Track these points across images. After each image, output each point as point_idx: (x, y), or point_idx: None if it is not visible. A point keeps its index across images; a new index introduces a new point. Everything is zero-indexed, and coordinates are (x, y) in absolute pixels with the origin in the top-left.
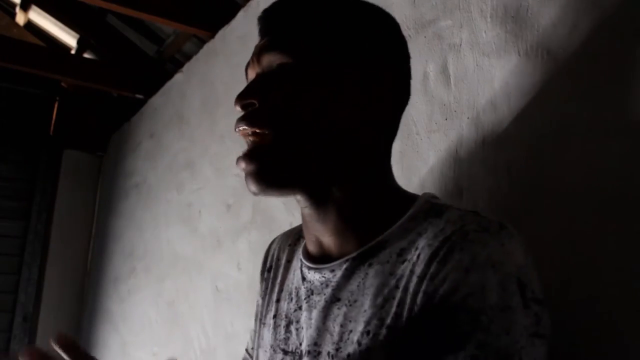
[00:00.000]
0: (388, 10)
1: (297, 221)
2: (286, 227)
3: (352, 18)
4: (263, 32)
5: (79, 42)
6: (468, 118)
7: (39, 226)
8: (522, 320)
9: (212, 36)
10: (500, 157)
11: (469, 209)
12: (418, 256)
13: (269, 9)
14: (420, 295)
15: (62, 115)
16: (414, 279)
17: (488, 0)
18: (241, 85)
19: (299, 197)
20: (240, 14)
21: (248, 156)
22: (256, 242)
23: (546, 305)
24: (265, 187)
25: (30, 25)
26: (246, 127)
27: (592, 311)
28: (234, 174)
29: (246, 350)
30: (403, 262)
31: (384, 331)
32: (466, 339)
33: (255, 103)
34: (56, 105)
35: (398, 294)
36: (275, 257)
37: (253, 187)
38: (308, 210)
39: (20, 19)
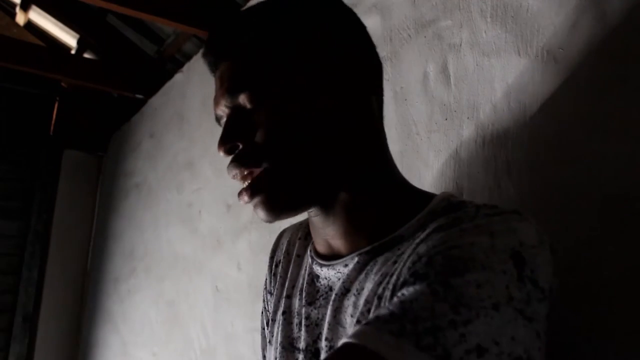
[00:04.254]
0: (388, 10)
1: (297, 220)
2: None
3: (301, 22)
4: (214, 70)
5: (79, 42)
6: (468, 118)
7: (39, 226)
8: (501, 283)
9: None
10: (500, 157)
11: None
12: (426, 236)
13: (215, 41)
14: (412, 256)
15: (62, 115)
16: (411, 250)
17: (488, 0)
18: None
19: (308, 210)
20: None
21: (251, 189)
22: (256, 242)
23: (546, 296)
24: (279, 213)
25: (30, 25)
26: (241, 169)
27: (592, 310)
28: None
29: (262, 349)
30: (407, 242)
31: (381, 304)
32: (435, 276)
33: (240, 145)
34: (56, 105)
35: (396, 269)
36: (284, 250)
37: (265, 216)
38: (317, 218)
39: (20, 19)
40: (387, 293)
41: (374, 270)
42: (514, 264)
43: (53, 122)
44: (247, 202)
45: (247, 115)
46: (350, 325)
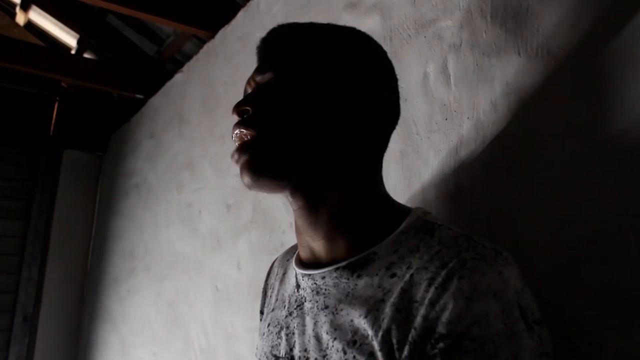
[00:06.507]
0: (388, 10)
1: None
2: (286, 227)
3: (335, 40)
4: (258, 57)
5: (79, 42)
6: (468, 118)
7: (39, 226)
8: (528, 344)
9: (212, 36)
10: (500, 157)
11: (461, 231)
12: (411, 276)
13: (264, 38)
14: (418, 319)
15: (62, 115)
16: (407, 300)
17: (488, 0)
18: (241, 85)
19: (291, 196)
20: (240, 14)
21: (240, 149)
22: (256, 242)
23: (545, 324)
24: (258, 176)
25: (30, 25)
26: (241, 130)
27: (592, 310)
28: (234, 174)
29: None
30: (392, 276)
31: (369, 342)
32: None
33: (249, 110)
34: (56, 105)
35: (385, 309)
36: (276, 273)
37: (246, 178)
38: (301, 212)
39: (20, 19)
40: (373, 332)
41: (355, 295)
42: (521, 316)
43: (53, 122)
44: (236, 162)
45: (265, 92)
46: (326, 342)
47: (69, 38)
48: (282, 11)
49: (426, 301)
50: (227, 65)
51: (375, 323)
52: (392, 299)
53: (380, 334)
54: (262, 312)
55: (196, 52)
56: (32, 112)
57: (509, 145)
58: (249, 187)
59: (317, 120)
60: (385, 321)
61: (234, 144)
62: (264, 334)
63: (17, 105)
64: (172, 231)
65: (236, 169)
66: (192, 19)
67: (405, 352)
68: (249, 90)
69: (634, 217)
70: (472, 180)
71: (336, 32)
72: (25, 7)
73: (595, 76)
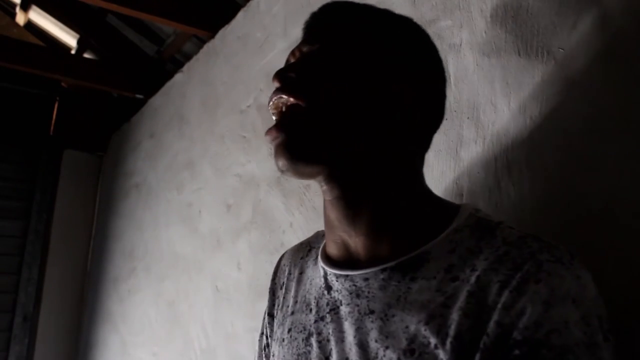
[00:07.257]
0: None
1: (297, 221)
2: (286, 227)
3: (391, 25)
4: (306, 31)
5: (79, 42)
6: (468, 118)
7: (39, 226)
8: (607, 355)
9: (212, 36)
10: (500, 157)
11: (524, 231)
12: (478, 278)
13: (315, 13)
14: (491, 325)
15: (62, 115)
16: (475, 304)
17: (488, 0)
18: (241, 85)
19: (325, 184)
20: (240, 14)
21: (279, 125)
22: (256, 242)
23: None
24: (295, 159)
25: (30, 25)
26: (283, 96)
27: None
28: (234, 174)
29: None
30: (454, 280)
31: (432, 351)
32: None
33: (294, 76)
34: (56, 105)
35: (450, 314)
36: (286, 272)
37: (281, 160)
38: (336, 203)
39: (20, 19)
40: (438, 340)
41: (410, 299)
42: (600, 327)
43: (53, 122)
44: (272, 140)
45: (313, 61)
46: (374, 351)
47: (69, 38)
48: (282, 11)
49: (499, 305)
50: (227, 65)
51: (441, 330)
52: (459, 303)
53: (448, 341)
54: (271, 315)
55: (196, 52)
56: (32, 112)
57: (509, 145)
58: (283, 171)
59: (363, 97)
60: (453, 327)
61: (234, 144)
62: (283, 340)
63: (17, 105)
64: (172, 231)
65: (236, 168)
66: (192, 19)
67: (477, 359)
68: (292, 61)
69: (633, 217)
70: (472, 180)
71: (393, 19)
72: (25, 7)
73: (596, 76)
